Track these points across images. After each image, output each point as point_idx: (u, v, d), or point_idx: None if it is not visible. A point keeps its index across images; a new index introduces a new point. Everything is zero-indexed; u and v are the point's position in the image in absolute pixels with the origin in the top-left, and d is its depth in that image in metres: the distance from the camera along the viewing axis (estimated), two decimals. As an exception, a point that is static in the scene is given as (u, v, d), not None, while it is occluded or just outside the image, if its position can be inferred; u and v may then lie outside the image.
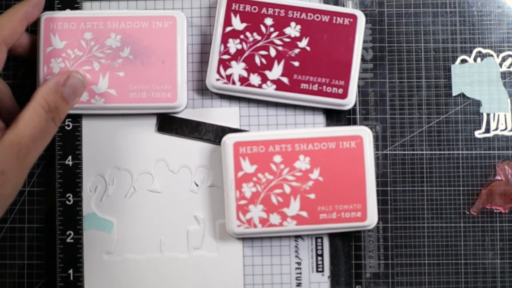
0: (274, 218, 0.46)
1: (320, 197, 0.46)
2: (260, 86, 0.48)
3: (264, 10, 0.48)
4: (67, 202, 0.48)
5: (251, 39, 0.48)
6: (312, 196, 0.46)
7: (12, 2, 0.50)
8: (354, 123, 0.50)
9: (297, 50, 0.48)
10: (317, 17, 0.48)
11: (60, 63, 0.47)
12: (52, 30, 0.47)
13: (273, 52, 0.48)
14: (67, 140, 0.49)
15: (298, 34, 0.48)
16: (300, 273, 0.49)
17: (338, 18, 0.48)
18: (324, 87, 0.47)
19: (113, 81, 0.47)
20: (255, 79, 0.47)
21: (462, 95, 0.50)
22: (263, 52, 0.48)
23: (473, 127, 0.50)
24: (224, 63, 0.47)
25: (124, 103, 0.47)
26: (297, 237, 0.49)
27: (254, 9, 0.48)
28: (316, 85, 0.47)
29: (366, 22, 0.49)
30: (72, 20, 0.47)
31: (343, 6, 0.49)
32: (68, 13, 0.48)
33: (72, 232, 0.48)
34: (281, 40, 0.48)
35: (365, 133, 0.47)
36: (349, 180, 0.47)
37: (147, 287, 0.48)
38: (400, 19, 0.50)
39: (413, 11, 0.50)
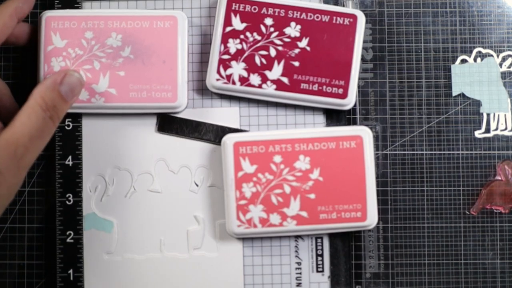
0: (274, 218, 0.46)
1: (320, 197, 0.46)
2: (260, 86, 0.48)
3: (264, 10, 0.48)
4: (67, 202, 0.48)
5: (251, 39, 0.48)
6: (312, 196, 0.46)
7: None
8: (354, 123, 0.50)
9: (297, 50, 0.48)
10: (317, 17, 0.48)
11: (60, 62, 0.47)
12: (53, 29, 0.47)
13: (273, 52, 0.48)
14: (67, 140, 0.49)
15: (298, 34, 0.48)
16: (300, 273, 0.49)
17: (338, 18, 0.48)
18: (324, 87, 0.47)
19: (114, 80, 0.47)
20: (255, 79, 0.47)
21: (462, 95, 0.50)
22: (263, 52, 0.48)
23: (473, 127, 0.50)
24: (224, 63, 0.47)
25: (125, 102, 0.47)
26: (297, 237, 0.49)
27: (254, 9, 0.48)
28: (316, 85, 0.47)
29: (366, 22, 0.49)
30: (73, 19, 0.47)
31: (343, 6, 0.49)
32: (69, 12, 0.48)
33: (72, 232, 0.48)
34: (281, 40, 0.48)
35: (365, 133, 0.47)
36: (349, 180, 0.47)
37: (147, 287, 0.48)
38: (400, 19, 0.50)
39: (413, 11, 0.50)
